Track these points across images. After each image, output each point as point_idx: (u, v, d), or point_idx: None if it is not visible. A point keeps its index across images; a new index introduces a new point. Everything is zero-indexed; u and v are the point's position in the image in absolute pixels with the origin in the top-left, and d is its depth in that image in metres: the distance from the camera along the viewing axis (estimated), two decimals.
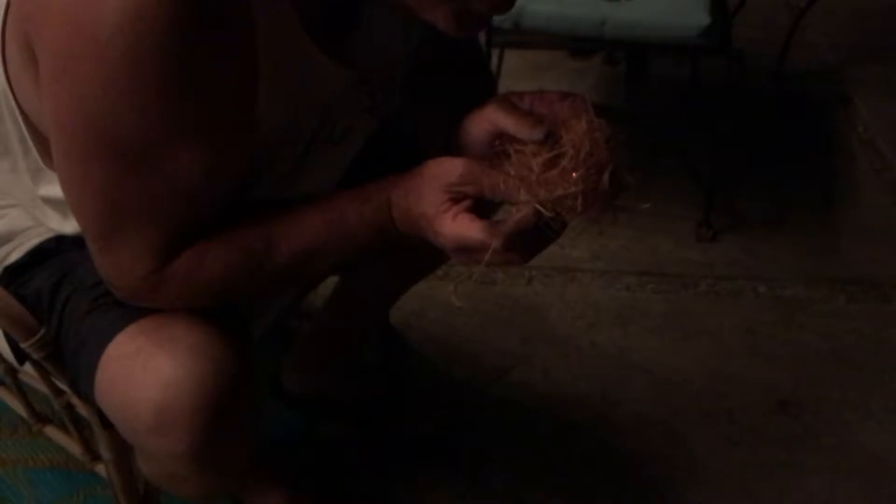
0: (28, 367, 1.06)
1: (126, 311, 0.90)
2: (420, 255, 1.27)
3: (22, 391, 1.24)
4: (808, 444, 1.53)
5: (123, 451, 1.10)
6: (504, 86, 1.99)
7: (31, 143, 0.91)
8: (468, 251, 0.83)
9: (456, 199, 0.83)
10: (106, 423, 1.04)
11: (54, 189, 0.89)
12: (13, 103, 0.89)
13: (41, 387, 1.11)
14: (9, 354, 1.06)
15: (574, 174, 0.78)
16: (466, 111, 0.91)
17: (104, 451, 1.11)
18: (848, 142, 2.25)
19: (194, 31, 0.74)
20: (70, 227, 0.96)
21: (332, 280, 1.42)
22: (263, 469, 1.33)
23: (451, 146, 0.92)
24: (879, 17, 2.64)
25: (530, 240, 0.82)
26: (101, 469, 1.20)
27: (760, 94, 2.37)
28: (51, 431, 1.30)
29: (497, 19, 1.77)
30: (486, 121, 0.87)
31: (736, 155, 2.08)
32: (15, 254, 1.01)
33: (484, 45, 1.78)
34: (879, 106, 2.32)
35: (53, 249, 0.99)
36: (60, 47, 0.76)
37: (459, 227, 0.82)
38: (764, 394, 1.61)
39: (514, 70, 2.20)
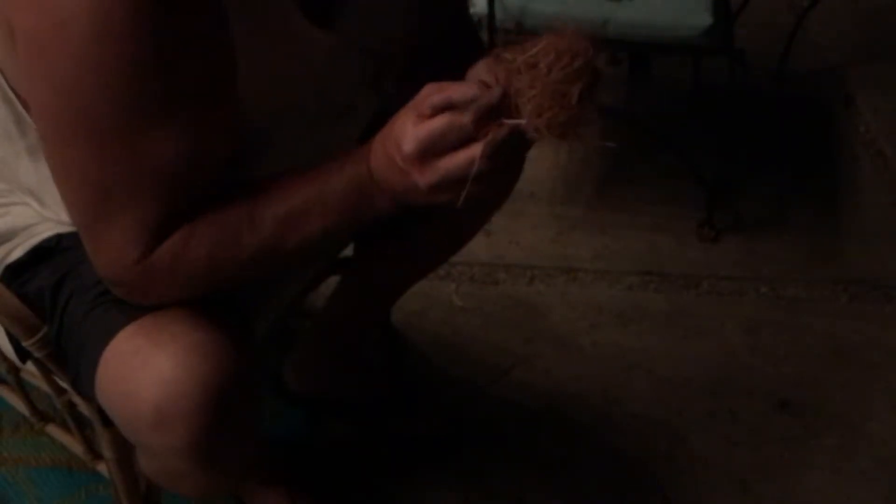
0: (30, 365, 1.06)
1: (126, 310, 0.90)
2: (421, 252, 1.28)
3: (24, 390, 1.25)
4: (810, 445, 1.53)
5: (125, 449, 1.10)
6: None
7: (28, 122, 0.92)
8: (446, 171, 0.77)
9: (423, 115, 0.78)
10: (107, 422, 1.04)
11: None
12: (4, 84, 0.90)
13: (43, 385, 1.11)
14: (11, 353, 1.06)
15: (566, 95, 0.76)
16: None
17: (106, 449, 1.11)
18: (850, 142, 2.25)
19: (159, 8, 0.74)
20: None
21: (334, 279, 1.42)
22: (264, 468, 1.33)
23: None
24: (881, 17, 2.64)
25: (505, 150, 0.78)
26: (102, 468, 1.20)
27: (762, 94, 2.36)
28: (53, 430, 1.30)
29: (499, 19, 1.77)
30: (469, 76, 0.85)
31: (738, 155, 2.07)
32: (17, 252, 1.01)
33: (486, 44, 1.78)
34: (881, 106, 2.31)
35: (55, 248, 1.00)
36: (31, 29, 0.77)
37: (422, 125, 0.77)
38: (766, 394, 1.61)
39: None
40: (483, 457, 1.47)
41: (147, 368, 0.86)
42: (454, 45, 1.06)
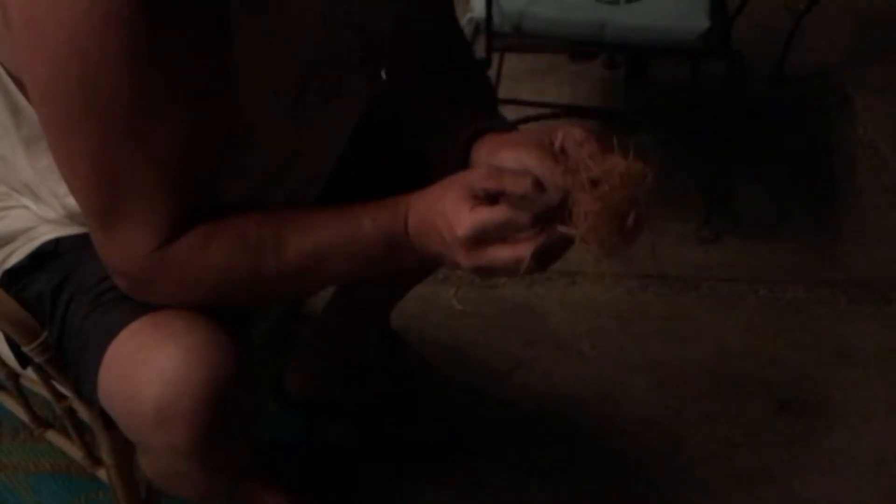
0: (30, 371, 1.06)
1: (128, 310, 0.90)
2: None
3: (23, 396, 1.24)
4: (810, 446, 1.53)
5: (125, 455, 1.10)
6: (504, 89, 1.99)
7: (25, 112, 0.91)
8: (492, 260, 0.80)
9: (477, 197, 0.81)
10: (108, 426, 1.04)
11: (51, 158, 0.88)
12: (2, 72, 0.89)
13: (43, 391, 1.11)
14: (10, 358, 1.06)
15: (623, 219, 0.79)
16: (481, 133, 0.93)
17: (106, 455, 1.12)
18: (848, 143, 2.25)
19: None
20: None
21: None
22: (264, 471, 1.33)
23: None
24: (879, 18, 2.64)
25: (552, 251, 0.81)
26: (102, 473, 1.20)
27: (760, 96, 2.36)
28: (52, 436, 1.30)
29: (497, 23, 1.77)
30: (512, 159, 0.86)
31: (736, 157, 2.08)
32: (15, 256, 1.01)
33: (484, 48, 1.78)
34: (879, 107, 2.32)
35: (54, 251, 0.99)
36: (29, 15, 0.76)
37: (479, 213, 0.80)
38: (765, 395, 1.61)
39: (515, 73, 2.20)
40: (483, 460, 1.47)
41: (149, 367, 0.86)
42: (440, 43, 1.07)
